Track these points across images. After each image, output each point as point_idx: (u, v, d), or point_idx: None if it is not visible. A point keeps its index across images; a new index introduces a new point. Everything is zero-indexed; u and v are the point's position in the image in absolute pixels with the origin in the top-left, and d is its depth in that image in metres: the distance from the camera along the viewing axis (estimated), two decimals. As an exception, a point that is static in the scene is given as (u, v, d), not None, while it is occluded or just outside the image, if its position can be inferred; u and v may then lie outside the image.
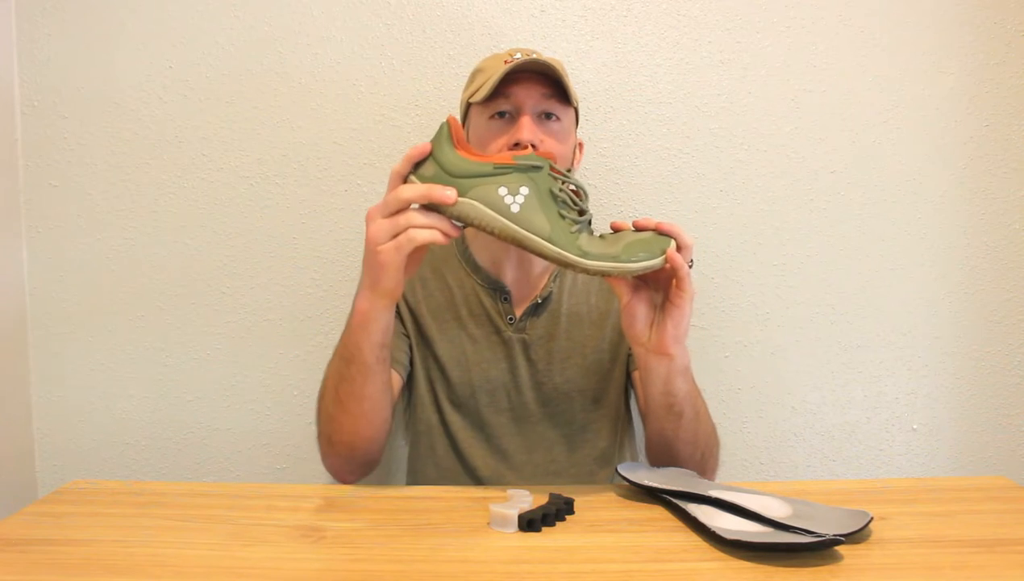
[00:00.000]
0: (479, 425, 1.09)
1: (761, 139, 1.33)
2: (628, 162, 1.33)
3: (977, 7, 1.32)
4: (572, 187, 0.82)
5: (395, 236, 0.78)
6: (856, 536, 0.70)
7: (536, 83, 1.03)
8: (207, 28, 1.30)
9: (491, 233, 0.79)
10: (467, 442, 1.09)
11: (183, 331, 1.34)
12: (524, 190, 0.78)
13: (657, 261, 0.81)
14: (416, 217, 0.78)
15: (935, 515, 0.79)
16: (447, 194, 0.77)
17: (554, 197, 0.79)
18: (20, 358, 1.33)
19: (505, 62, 1.02)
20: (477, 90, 1.04)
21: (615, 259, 0.79)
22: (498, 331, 1.09)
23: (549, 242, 0.78)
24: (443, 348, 1.09)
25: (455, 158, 0.78)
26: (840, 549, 0.68)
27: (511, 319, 1.09)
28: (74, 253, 1.33)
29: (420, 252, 0.81)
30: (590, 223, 0.83)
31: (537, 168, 0.79)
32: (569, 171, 0.83)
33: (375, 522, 0.78)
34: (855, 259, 1.35)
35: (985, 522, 0.76)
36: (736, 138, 1.33)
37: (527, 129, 1.00)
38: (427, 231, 0.78)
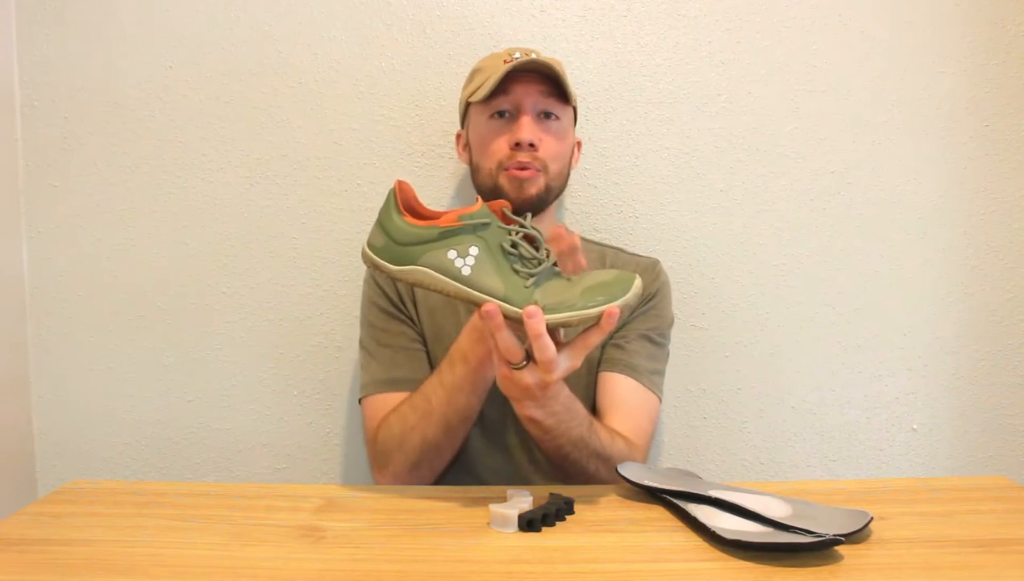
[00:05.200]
0: (479, 422, 1.09)
1: (761, 139, 1.33)
2: (628, 162, 1.33)
3: (977, 7, 1.32)
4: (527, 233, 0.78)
5: None
6: (856, 536, 0.70)
7: (536, 82, 1.03)
8: (207, 28, 1.30)
9: (447, 296, 0.78)
10: (468, 442, 1.09)
11: (183, 331, 1.34)
12: (473, 250, 0.76)
13: (619, 302, 0.76)
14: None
15: (935, 515, 0.79)
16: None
17: (505, 253, 0.77)
18: (20, 358, 1.33)
19: (504, 61, 1.02)
20: (477, 89, 1.04)
21: (571, 308, 0.76)
22: None
23: (504, 302, 0.76)
24: (441, 348, 1.09)
25: (402, 225, 0.77)
26: (840, 549, 0.68)
27: None
28: (74, 253, 1.32)
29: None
30: (556, 264, 0.79)
31: (485, 225, 0.76)
32: (524, 216, 0.79)
33: (375, 522, 0.78)
34: (855, 259, 1.35)
35: (985, 522, 0.76)
36: (736, 138, 1.33)
37: (527, 129, 1.01)
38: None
